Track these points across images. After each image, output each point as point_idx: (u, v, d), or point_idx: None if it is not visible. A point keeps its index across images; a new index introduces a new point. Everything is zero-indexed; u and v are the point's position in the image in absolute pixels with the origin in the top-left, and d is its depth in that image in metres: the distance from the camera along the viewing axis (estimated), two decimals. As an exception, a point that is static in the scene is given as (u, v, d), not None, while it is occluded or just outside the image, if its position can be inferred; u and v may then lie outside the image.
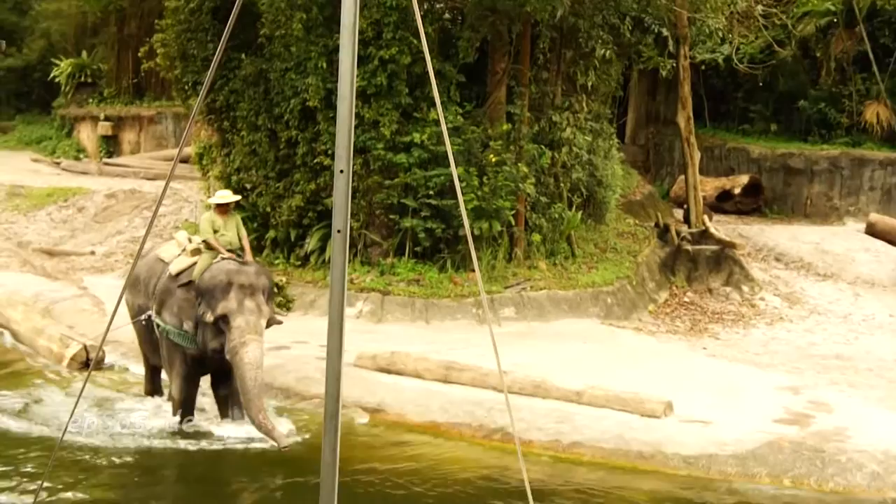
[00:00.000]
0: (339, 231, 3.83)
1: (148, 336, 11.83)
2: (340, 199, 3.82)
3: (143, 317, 11.54)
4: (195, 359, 11.23)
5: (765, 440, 11.04)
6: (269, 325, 11.00)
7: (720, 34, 21.09)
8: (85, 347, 13.95)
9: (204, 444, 11.05)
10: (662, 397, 11.92)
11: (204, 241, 11.24)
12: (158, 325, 11.32)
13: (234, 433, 11.18)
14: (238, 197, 12.35)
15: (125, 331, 14.29)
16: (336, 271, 3.89)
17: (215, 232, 11.24)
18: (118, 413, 11.77)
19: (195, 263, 11.16)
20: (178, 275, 11.23)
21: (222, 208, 11.46)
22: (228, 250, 11.19)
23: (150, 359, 12.36)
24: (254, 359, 10.44)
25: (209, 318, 10.66)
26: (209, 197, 20.20)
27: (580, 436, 11.32)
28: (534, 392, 12.25)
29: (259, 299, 10.76)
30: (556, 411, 11.86)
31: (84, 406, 11.66)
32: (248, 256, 11.35)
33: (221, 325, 10.66)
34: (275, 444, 10.18)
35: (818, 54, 26.41)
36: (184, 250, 11.50)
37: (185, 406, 11.42)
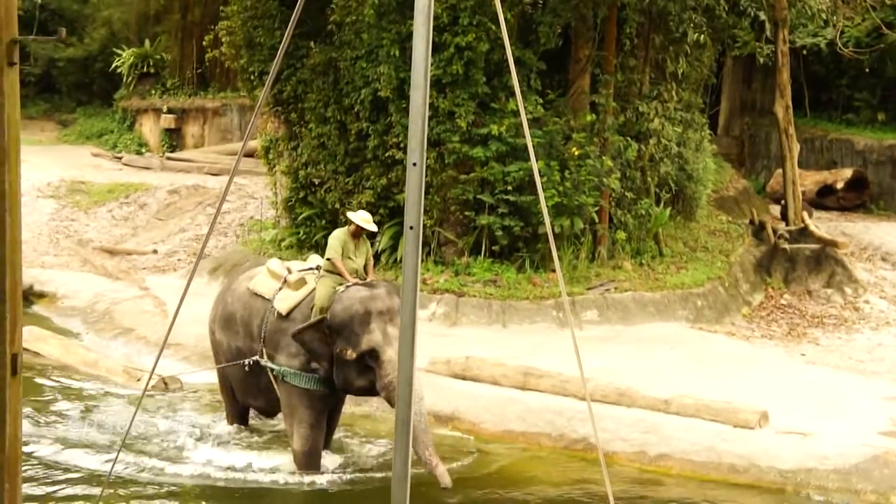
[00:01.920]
0: (411, 228, 3.86)
1: (250, 381, 11.15)
2: (413, 195, 3.85)
3: (247, 360, 10.85)
4: (323, 399, 10.65)
5: (870, 454, 10.88)
6: None
7: (823, 16, 20.81)
8: (163, 380, 13.44)
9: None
10: (757, 407, 11.81)
11: (327, 261, 10.59)
12: (272, 370, 10.71)
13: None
14: (375, 228, 11.33)
15: (185, 333, 14.61)
16: (408, 271, 3.92)
17: (345, 257, 10.57)
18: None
19: (306, 298, 10.59)
20: (288, 313, 10.59)
21: (358, 230, 10.72)
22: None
23: (241, 401, 11.82)
24: (416, 391, 9.47)
25: (351, 355, 10.05)
26: (275, 193, 20.60)
27: (668, 447, 11.26)
28: (618, 400, 12.21)
29: (398, 323, 10.22)
30: (642, 421, 11.81)
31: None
32: (372, 277, 10.84)
33: (368, 360, 10.08)
34: (440, 481, 9.74)
35: (931, 37, 25.93)
36: (284, 282, 10.82)
37: (313, 460, 10.69)
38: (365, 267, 10.75)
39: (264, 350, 10.73)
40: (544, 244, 16.79)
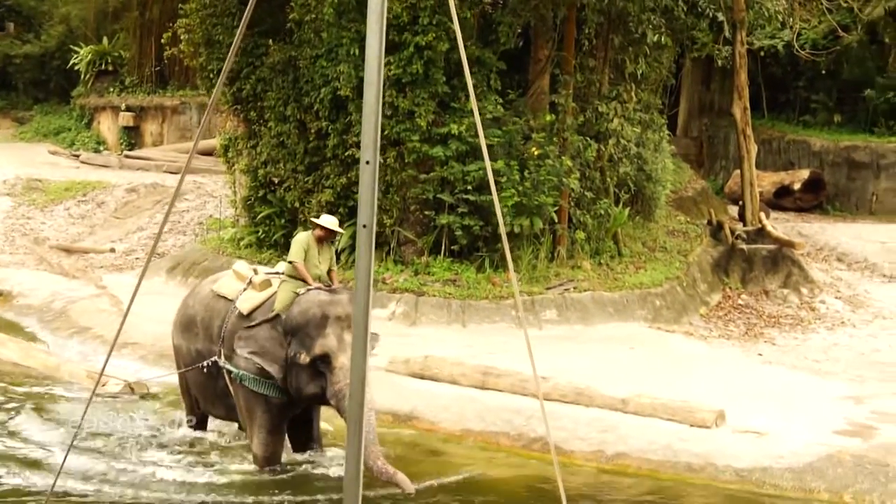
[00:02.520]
0: (364, 226, 3.84)
1: (208, 385, 10.85)
2: (366, 193, 3.82)
3: (205, 363, 10.55)
4: (280, 407, 10.33)
5: (824, 453, 10.94)
6: None
7: (780, 18, 20.98)
8: (129, 385, 13.09)
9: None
10: (714, 406, 11.86)
11: (289, 264, 10.29)
12: (230, 373, 10.38)
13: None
14: (342, 231, 11.18)
15: (143, 332, 14.51)
16: (362, 269, 3.90)
17: (305, 261, 10.26)
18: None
19: (269, 299, 10.31)
20: (250, 313, 10.29)
21: (321, 233, 10.43)
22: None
23: (202, 409, 11.50)
24: (366, 401, 9.84)
25: (304, 359, 9.78)
26: (234, 192, 20.50)
27: (625, 446, 11.29)
28: (576, 399, 12.23)
29: None
30: (600, 420, 11.83)
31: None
32: (336, 284, 10.49)
33: (320, 366, 9.79)
34: (400, 489, 9.46)
35: (887, 39, 26.22)
36: (250, 283, 10.54)
37: (271, 463, 10.45)
38: (329, 273, 10.47)
39: (222, 351, 10.42)
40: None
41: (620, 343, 15.15)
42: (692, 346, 15.65)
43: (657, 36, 18.52)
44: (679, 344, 15.65)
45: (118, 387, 13.01)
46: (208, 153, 26.13)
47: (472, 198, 16.69)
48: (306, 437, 10.92)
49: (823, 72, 26.05)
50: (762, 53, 25.03)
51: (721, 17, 19.35)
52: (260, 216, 19.08)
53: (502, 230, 4.44)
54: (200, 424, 11.68)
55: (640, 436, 11.44)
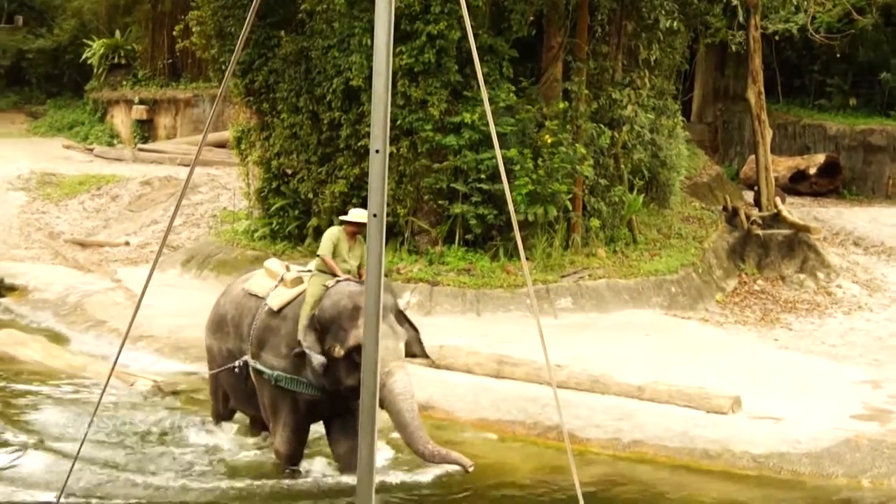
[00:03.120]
0: (374, 215, 3.84)
1: (239, 384, 10.62)
2: (377, 181, 3.82)
3: (237, 363, 10.33)
4: (309, 404, 10.14)
5: (841, 438, 10.93)
6: (407, 349, 9.91)
7: (794, 2, 20.90)
8: (157, 386, 12.88)
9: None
10: (730, 392, 11.86)
11: (318, 258, 10.11)
12: (262, 373, 10.16)
13: None
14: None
15: (158, 325, 14.55)
16: (373, 259, 3.92)
17: (336, 257, 10.03)
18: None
19: (299, 295, 10.09)
20: (280, 310, 10.12)
21: (353, 229, 10.14)
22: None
23: (234, 408, 11.37)
24: (404, 388, 9.41)
25: (339, 351, 9.55)
26: (248, 183, 20.51)
27: (642, 434, 11.28)
28: (592, 387, 12.24)
29: (390, 320, 9.65)
30: (616, 408, 11.83)
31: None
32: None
33: (356, 357, 9.33)
34: (458, 467, 9.34)
35: (902, 22, 26.09)
36: (281, 280, 10.35)
37: (293, 461, 10.30)
38: (359, 269, 10.13)
39: (251, 350, 10.26)
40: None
41: (636, 330, 15.13)
42: (708, 332, 15.63)
43: (670, 21, 18.51)
44: (695, 330, 15.62)
45: (146, 386, 12.83)
46: (221, 145, 26.16)
47: (485, 187, 16.67)
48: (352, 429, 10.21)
49: (838, 55, 25.93)
50: (776, 38, 24.91)
51: (735, 1, 19.32)
52: (273, 208, 19.09)
53: (514, 219, 4.44)
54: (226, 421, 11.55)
55: (656, 423, 11.44)
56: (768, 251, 18.86)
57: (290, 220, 18.83)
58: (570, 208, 17.37)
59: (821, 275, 18.50)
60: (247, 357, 10.26)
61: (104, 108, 34.16)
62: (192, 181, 24.79)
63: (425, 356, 10.37)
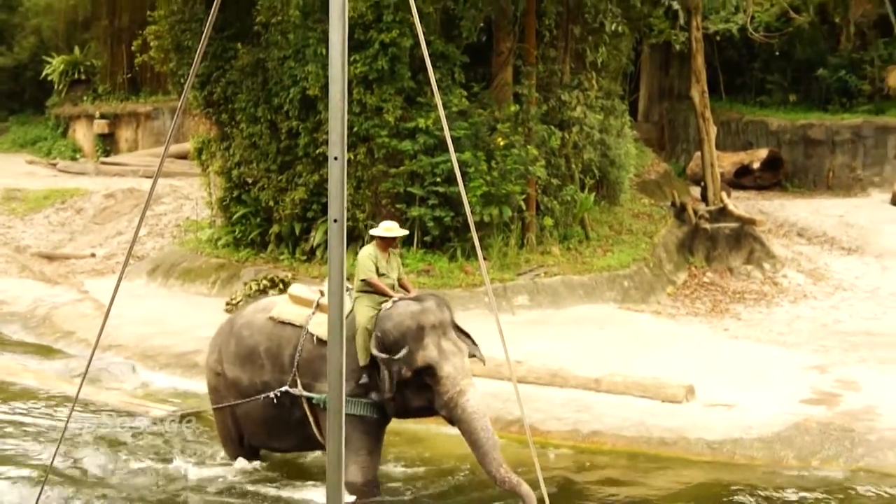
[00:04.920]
0: (335, 220, 3.84)
1: (277, 417, 9.84)
2: (336, 188, 3.82)
3: (275, 392, 9.59)
4: (377, 426, 9.62)
5: (791, 422, 11.03)
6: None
7: (734, 2, 21.04)
8: (176, 412, 12.10)
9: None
10: (684, 382, 11.93)
11: (362, 282, 9.40)
12: (314, 401, 9.51)
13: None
14: (406, 232, 10.47)
15: (127, 333, 14.41)
16: (334, 263, 3.90)
17: (379, 274, 9.45)
18: None
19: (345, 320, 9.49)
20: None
21: (385, 243, 9.66)
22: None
23: (257, 445, 10.52)
24: (478, 406, 9.14)
25: (406, 373, 9.09)
26: (210, 193, 20.40)
27: (600, 424, 11.33)
28: (551, 381, 12.27)
29: (452, 336, 9.34)
30: (575, 400, 11.87)
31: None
32: (413, 290, 9.83)
33: (425, 378, 9.16)
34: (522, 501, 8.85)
35: (837, 19, 26.38)
36: (318, 306, 9.65)
37: (372, 491, 9.56)
38: (400, 281, 9.74)
39: (299, 380, 9.56)
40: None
41: (591, 324, 15.18)
42: (661, 324, 15.70)
43: (615, 25, 18.60)
44: (648, 323, 15.69)
45: (163, 413, 12.16)
46: (183, 157, 25.99)
47: (441, 189, 16.67)
48: None
49: (777, 53, 26.18)
50: (718, 37, 25.04)
51: (676, 4, 19.44)
52: (236, 216, 19.01)
53: (470, 220, 4.45)
54: (251, 455, 10.65)
55: (613, 413, 11.50)
56: (716, 244, 18.99)
57: (253, 227, 18.76)
58: (524, 208, 17.40)
59: (767, 265, 18.66)
60: (286, 388, 9.57)
61: (66, 123, 33.88)
62: (155, 192, 24.59)
63: (482, 361, 9.81)
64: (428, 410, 9.47)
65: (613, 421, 11.35)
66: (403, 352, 9.07)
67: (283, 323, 9.84)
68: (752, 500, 9.68)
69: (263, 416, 9.92)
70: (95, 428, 11.67)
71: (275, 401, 9.62)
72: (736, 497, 9.75)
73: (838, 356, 13.88)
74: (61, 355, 15.21)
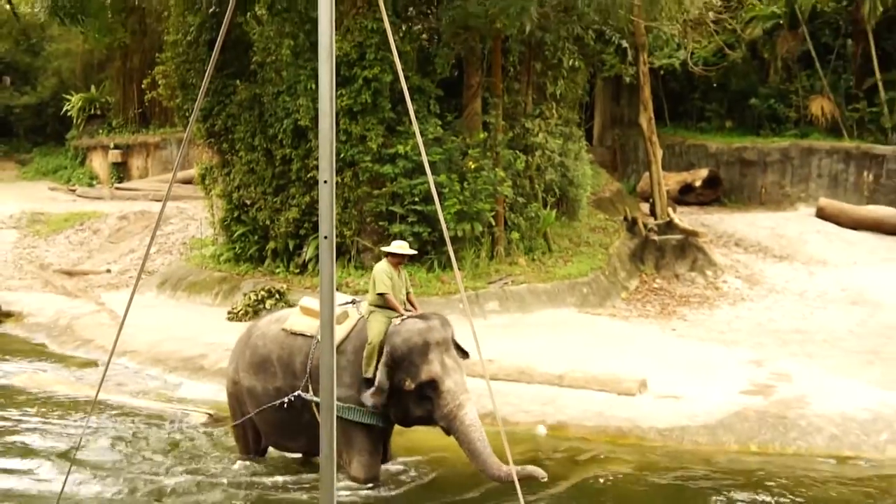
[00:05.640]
0: (325, 237, 3.83)
1: (290, 420, 9.62)
2: (325, 208, 3.82)
3: (290, 396, 9.35)
4: (379, 430, 9.52)
5: (732, 410, 11.06)
6: None
7: (675, 41, 21.17)
8: (213, 416, 11.70)
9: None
10: (637, 376, 11.94)
11: (379, 296, 9.30)
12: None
13: None
14: (415, 252, 10.22)
15: (139, 341, 14.30)
16: (325, 275, 3.88)
17: (392, 289, 9.36)
18: None
19: (352, 330, 9.41)
20: (338, 346, 9.08)
21: (396, 259, 9.55)
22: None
23: (271, 445, 10.33)
24: (475, 419, 9.00)
25: (410, 385, 9.02)
26: (213, 214, 20.31)
27: (564, 416, 11.31)
28: (519, 377, 12.25)
29: (453, 353, 9.31)
30: (541, 395, 11.86)
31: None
32: (418, 307, 9.78)
33: (427, 390, 9.07)
34: (535, 479, 8.66)
35: (766, 55, 26.55)
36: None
37: (374, 482, 9.51)
38: (408, 296, 9.65)
39: (310, 386, 9.32)
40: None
41: (554, 327, 15.19)
42: (616, 325, 15.72)
43: (572, 60, 18.70)
44: (605, 324, 15.71)
45: (202, 419, 11.74)
46: (188, 182, 25.89)
47: (419, 208, 16.64)
48: (384, 454, 10.02)
49: (715, 85, 26.34)
50: (662, 71, 25.23)
51: (625, 42, 19.55)
52: (236, 234, 18.94)
53: (446, 235, 4.44)
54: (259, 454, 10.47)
55: (575, 406, 11.48)
56: (664, 254, 19.03)
57: (251, 244, 18.69)
58: (494, 224, 17.39)
59: (709, 272, 18.70)
60: (299, 392, 9.35)
61: (84, 153, 33.70)
62: (164, 214, 24.49)
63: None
64: (427, 420, 9.34)
65: (575, 412, 11.34)
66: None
67: (294, 334, 9.68)
68: (698, 480, 9.70)
69: (275, 419, 9.76)
70: (127, 427, 11.53)
71: (285, 405, 9.41)
72: (684, 476, 9.77)
73: (773, 351, 13.93)
74: (82, 361, 15.08)
